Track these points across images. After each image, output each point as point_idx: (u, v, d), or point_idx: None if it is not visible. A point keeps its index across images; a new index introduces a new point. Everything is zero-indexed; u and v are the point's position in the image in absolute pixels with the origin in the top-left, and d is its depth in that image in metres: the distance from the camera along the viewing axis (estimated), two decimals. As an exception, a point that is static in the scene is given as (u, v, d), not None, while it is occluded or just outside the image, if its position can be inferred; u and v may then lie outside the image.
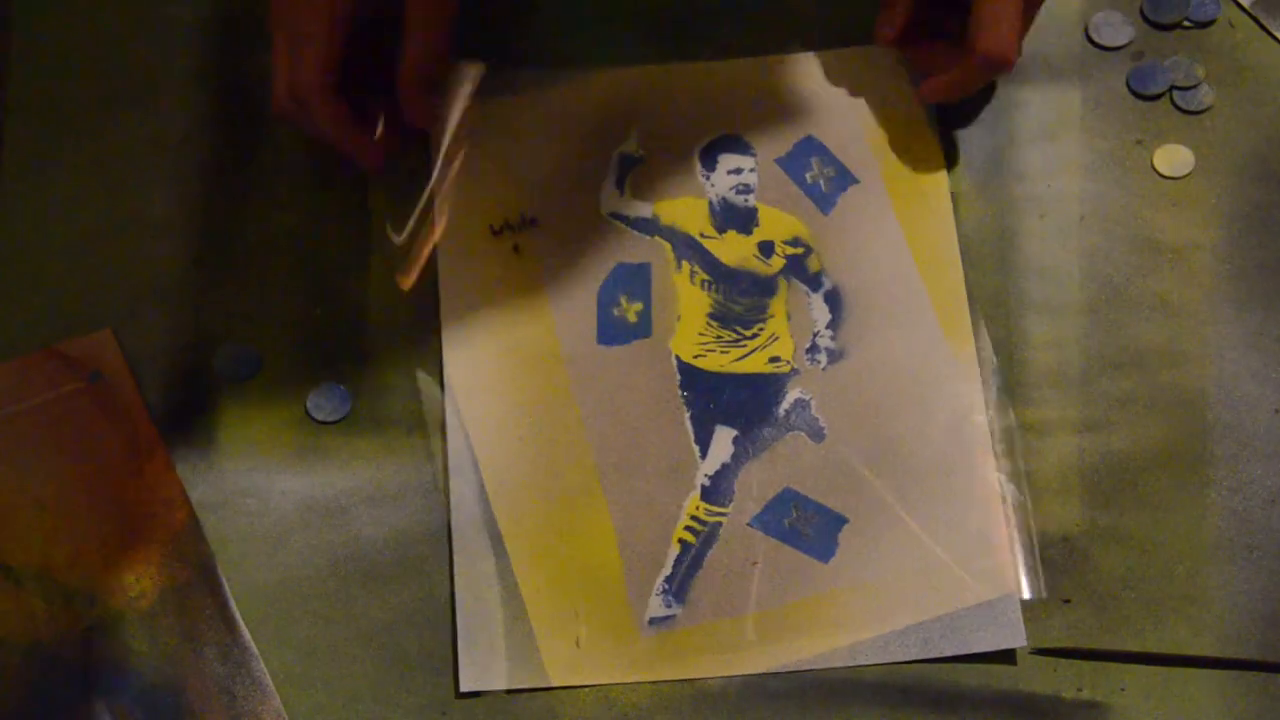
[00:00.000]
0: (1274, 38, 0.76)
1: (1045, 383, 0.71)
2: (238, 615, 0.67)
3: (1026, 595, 0.68)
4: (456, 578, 0.68)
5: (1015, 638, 0.67)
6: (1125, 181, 0.74)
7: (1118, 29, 0.77)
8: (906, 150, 0.75)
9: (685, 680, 0.67)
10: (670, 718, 0.66)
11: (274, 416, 0.71)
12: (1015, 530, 0.69)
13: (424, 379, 0.71)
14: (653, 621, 0.68)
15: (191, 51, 0.76)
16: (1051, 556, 0.69)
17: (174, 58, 0.76)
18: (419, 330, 0.72)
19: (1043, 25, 0.77)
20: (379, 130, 0.73)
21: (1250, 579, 0.68)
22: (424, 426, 0.70)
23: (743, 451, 0.70)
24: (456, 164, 0.74)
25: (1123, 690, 0.67)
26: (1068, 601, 0.68)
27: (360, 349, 0.72)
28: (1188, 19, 0.77)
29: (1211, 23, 0.77)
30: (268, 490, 0.70)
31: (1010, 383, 0.71)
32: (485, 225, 0.73)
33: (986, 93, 0.76)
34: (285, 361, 0.72)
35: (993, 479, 0.69)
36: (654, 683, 0.67)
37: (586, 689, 0.66)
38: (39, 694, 0.66)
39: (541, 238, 0.73)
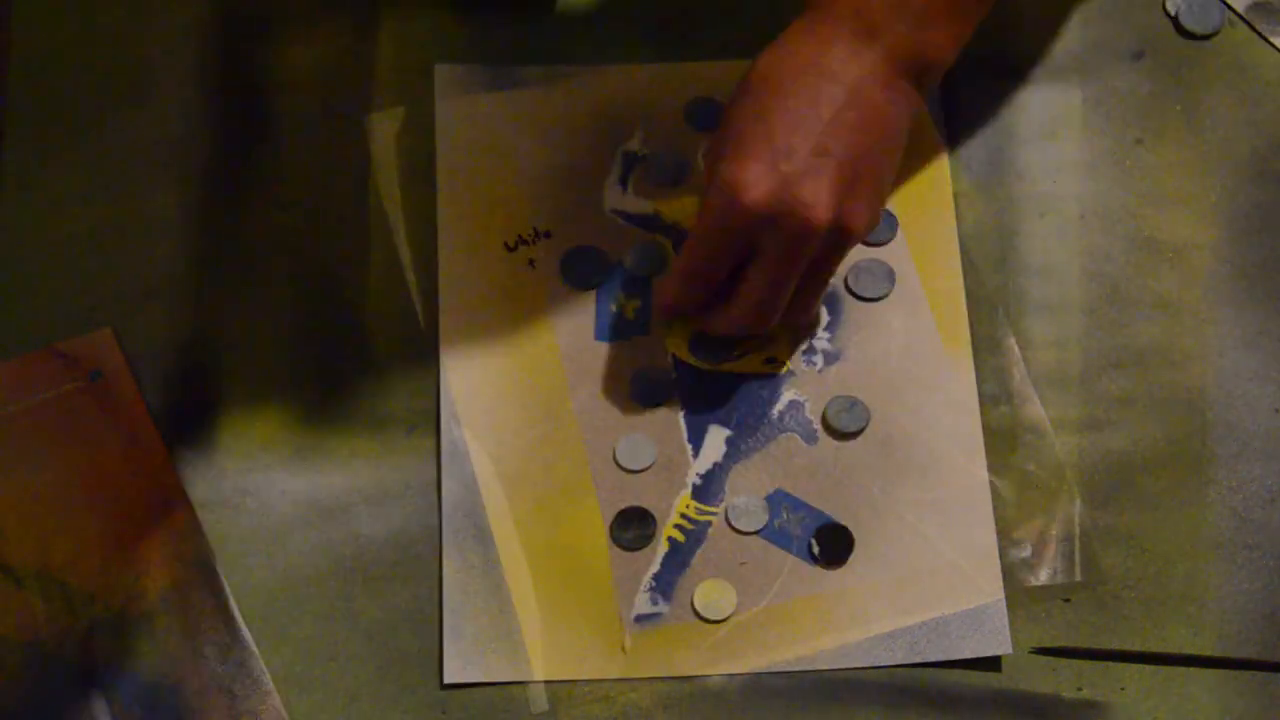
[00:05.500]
0: (1270, 44, 0.76)
1: (1045, 382, 0.71)
2: (238, 615, 0.67)
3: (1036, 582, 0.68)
4: (445, 569, 0.68)
5: (1001, 644, 0.67)
6: (1125, 181, 0.74)
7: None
8: (910, 154, 0.74)
9: (686, 679, 0.67)
10: (670, 717, 0.66)
11: (274, 416, 0.71)
12: (1055, 521, 0.69)
13: (423, 377, 0.71)
14: (639, 619, 0.68)
15: (191, 51, 0.76)
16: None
17: (174, 58, 0.76)
18: (419, 329, 0.72)
19: (1043, 25, 0.77)
20: None
21: (1250, 579, 0.68)
22: (423, 426, 0.71)
23: (735, 451, 0.70)
24: (460, 165, 0.74)
25: (1123, 690, 0.67)
26: (1068, 601, 0.68)
27: (360, 349, 0.72)
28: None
29: (1211, 22, 0.77)
30: (268, 490, 0.70)
31: (1012, 382, 0.71)
32: (499, 241, 0.73)
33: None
34: (285, 362, 0.72)
35: (984, 485, 0.69)
36: (652, 681, 0.67)
37: (587, 689, 0.66)
38: (39, 693, 0.66)
39: (554, 249, 0.73)
